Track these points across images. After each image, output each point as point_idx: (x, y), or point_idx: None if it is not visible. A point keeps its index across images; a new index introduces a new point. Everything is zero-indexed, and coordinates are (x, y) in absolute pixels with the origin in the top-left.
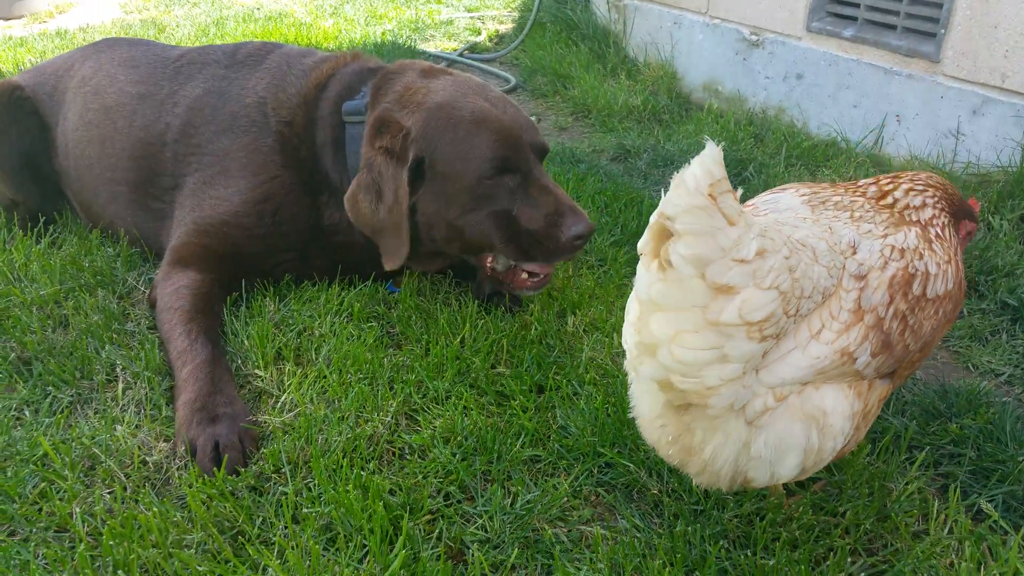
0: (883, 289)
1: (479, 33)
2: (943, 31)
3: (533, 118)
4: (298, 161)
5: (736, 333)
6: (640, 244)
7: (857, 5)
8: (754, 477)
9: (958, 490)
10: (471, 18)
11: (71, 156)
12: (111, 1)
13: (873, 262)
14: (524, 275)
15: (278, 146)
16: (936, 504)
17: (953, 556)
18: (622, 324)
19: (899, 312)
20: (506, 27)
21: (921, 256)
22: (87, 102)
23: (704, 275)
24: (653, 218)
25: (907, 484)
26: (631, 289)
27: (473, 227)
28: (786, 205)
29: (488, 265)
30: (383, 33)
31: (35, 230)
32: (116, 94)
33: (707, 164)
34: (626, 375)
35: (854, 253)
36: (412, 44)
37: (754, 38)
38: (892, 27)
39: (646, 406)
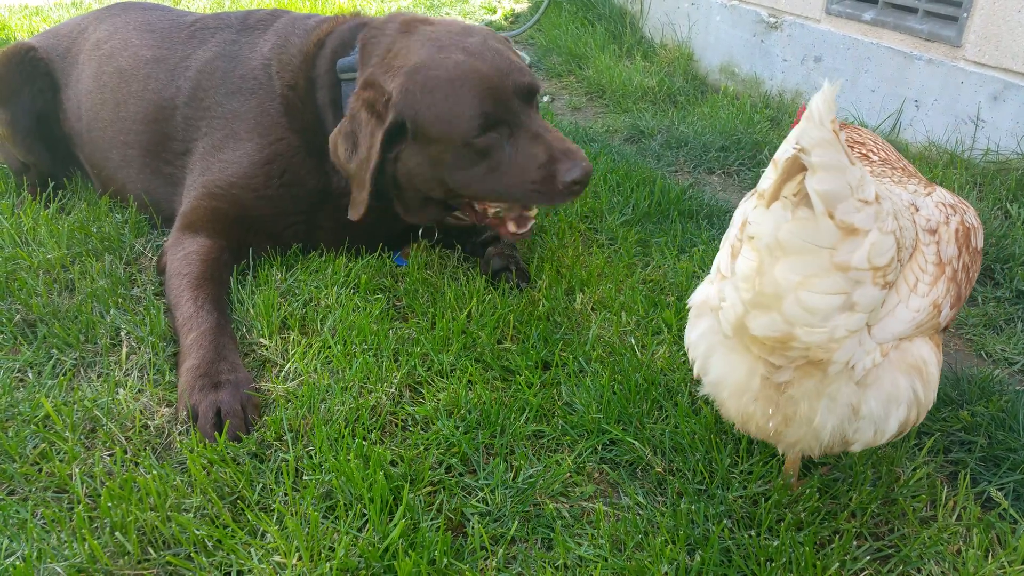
0: (952, 243)
1: (494, 11)
2: (965, 15)
3: (546, 98)
4: (303, 123)
5: (864, 279)
6: (762, 184)
7: None
8: (858, 439)
9: (967, 477)
10: None
11: (84, 118)
12: None
13: (937, 217)
14: (511, 224)
15: (283, 108)
16: (945, 490)
17: (960, 543)
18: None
19: (965, 265)
20: (522, 6)
21: (966, 210)
22: (101, 64)
23: (833, 214)
24: (782, 153)
25: (915, 469)
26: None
27: (464, 184)
28: None
29: (479, 209)
30: (398, 8)
31: (44, 195)
32: (130, 57)
33: (828, 99)
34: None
35: (916, 211)
36: None
37: (772, 20)
38: (913, 10)
39: (738, 379)
